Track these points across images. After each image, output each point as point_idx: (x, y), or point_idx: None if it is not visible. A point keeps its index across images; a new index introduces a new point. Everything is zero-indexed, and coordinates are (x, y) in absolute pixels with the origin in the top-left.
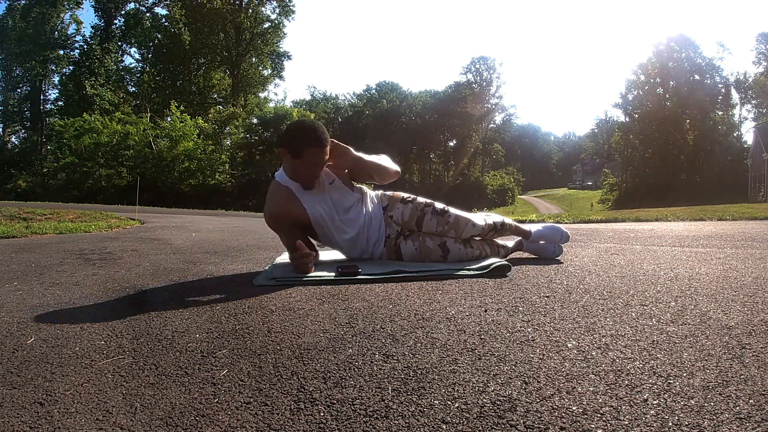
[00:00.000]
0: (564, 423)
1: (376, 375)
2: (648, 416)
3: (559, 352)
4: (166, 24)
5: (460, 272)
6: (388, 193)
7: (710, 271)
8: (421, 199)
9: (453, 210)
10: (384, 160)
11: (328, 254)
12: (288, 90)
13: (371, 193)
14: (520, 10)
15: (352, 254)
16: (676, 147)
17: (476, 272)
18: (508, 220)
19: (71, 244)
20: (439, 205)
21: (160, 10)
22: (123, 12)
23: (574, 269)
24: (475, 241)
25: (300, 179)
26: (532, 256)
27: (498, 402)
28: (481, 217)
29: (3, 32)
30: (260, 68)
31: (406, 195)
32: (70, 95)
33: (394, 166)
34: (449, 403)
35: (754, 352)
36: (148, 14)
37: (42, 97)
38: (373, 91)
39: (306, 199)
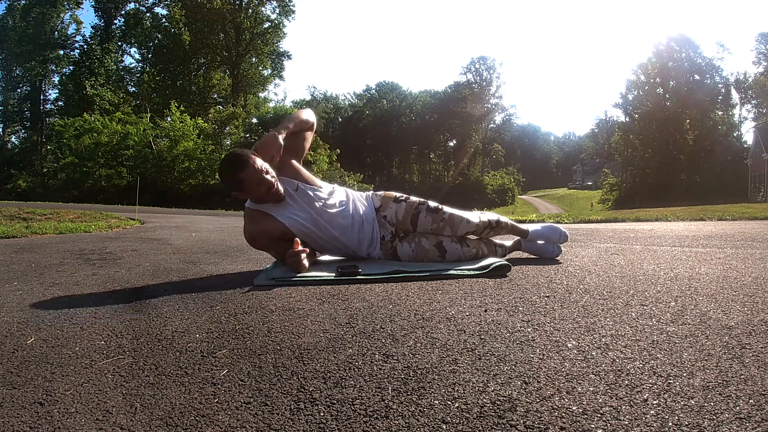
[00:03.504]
0: (564, 423)
1: (376, 375)
2: (648, 416)
3: (559, 352)
4: (166, 24)
5: (460, 272)
6: (379, 193)
7: (710, 271)
8: (414, 198)
9: (447, 208)
10: (293, 114)
11: (328, 255)
12: (288, 90)
13: (360, 195)
14: (520, 10)
15: (349, 250)
16: (676, 147)
17: (476, 272)
18: (504, 219)
19: (71, 244)
20: (432, 204)
21: (160, 10)
22: (123, 12)
23: (574, 269)
24: (471, 240)
25: (263, 200)
26: (532, 256)
27: (498, 402)
28: (476, 215)
29: (3, 32)
30: (260, 68)
31: (398, 194)
32: (70, 95)
33: (305, 109)
34: (449, 403)
35: (754, 352)
36: (148, 14)
37: (42, 97)
38: (373, 91)
39: (281, 214)
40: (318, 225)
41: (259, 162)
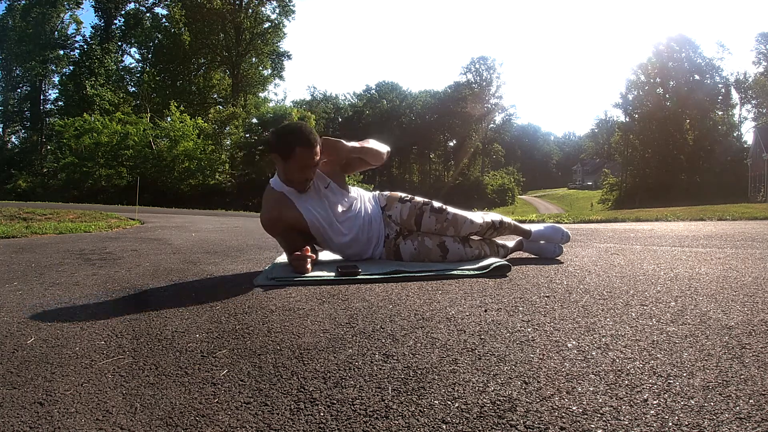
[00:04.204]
0: (564, 423)
1: (376, 375)
2: (648, 416)
3: (559, 352)
4: (166, 24)
5: (460, 272)
6: (385, 193)
7: (710, 271)
8: (418, 198)
9: (451, 208)
10: (372, 144)
11: (328, 254)
12: (288, 90)
13: (368, 194)
14: (520, 10)
15: (352, 255)
16: (676, 147)
17: (476, 272)
18: (507, 219)
19: (71, 244)
20: (436, 204)
21: (160, 10)
22: (123, 12)
23: (574, 269)
24: (474, 241)
25: (293, 183)
26: (532, 256)
27: (498, 402)
28: (480, 216)
29: (3, 32)
30: (260, 68)
31: (403, 194)
32: (70, 95)
33: (384, 147)
34: (449, 403)
35: (754, 352)
36: (148, 14)
37: (42, 97)
38: (373, 91)
39: (301, 204)
40: (333, 227)
41: (319, 154)
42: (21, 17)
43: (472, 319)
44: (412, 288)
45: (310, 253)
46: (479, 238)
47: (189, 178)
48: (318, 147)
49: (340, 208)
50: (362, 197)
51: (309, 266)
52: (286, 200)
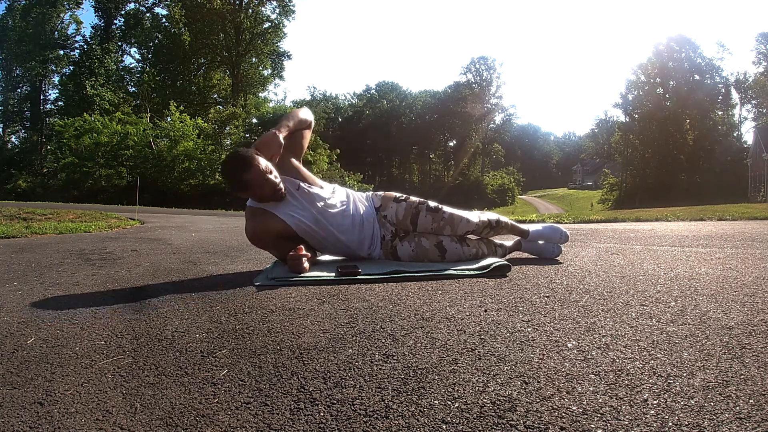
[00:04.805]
0: (564, 423)
1: (376, 375)
2: (648, 416)
3: (559, 352)
4: (166, 24)
5: (460, 272)
6: (379, 193)
7: (710, 271)
8: (414, 198)
9: (446, 207)
10: (292, 113)
11: (328, 255)
12: (288, 90)
13: (360, 195)
14: (520, 10)
15: (349, 254)
16: (676, 147)
17: (476, 272)
18: (504, 219)
19: (71, 244)
20: (432, 203)
21: (160, 10)
22: (123, 12)
23: (574, 269)
24: (471, 240)
25: (268, 198)
26: (532, 256)
27: (498, 402)
28: (476, 215)
29: (3, 32)
30: (260, 68)
31: (398, 194)
32: (70, 95)
33: (303, 108)
34: (449, 403)
35: (754, 352)
36: (148, 14)
37: (42, 97)
38: (373, 91)
39: (281, 212)
40: (319, 224)
41: (264, 162)
42: (21, 17)
43: (472, 319)
44: (412, 288)
45: (304, 252)
46: (476, 237)
47: (189, 178)
48: (259, 158)
49: (319, 203)
50: (352, 197)
51: (306, 264)
52: (267, 213)
